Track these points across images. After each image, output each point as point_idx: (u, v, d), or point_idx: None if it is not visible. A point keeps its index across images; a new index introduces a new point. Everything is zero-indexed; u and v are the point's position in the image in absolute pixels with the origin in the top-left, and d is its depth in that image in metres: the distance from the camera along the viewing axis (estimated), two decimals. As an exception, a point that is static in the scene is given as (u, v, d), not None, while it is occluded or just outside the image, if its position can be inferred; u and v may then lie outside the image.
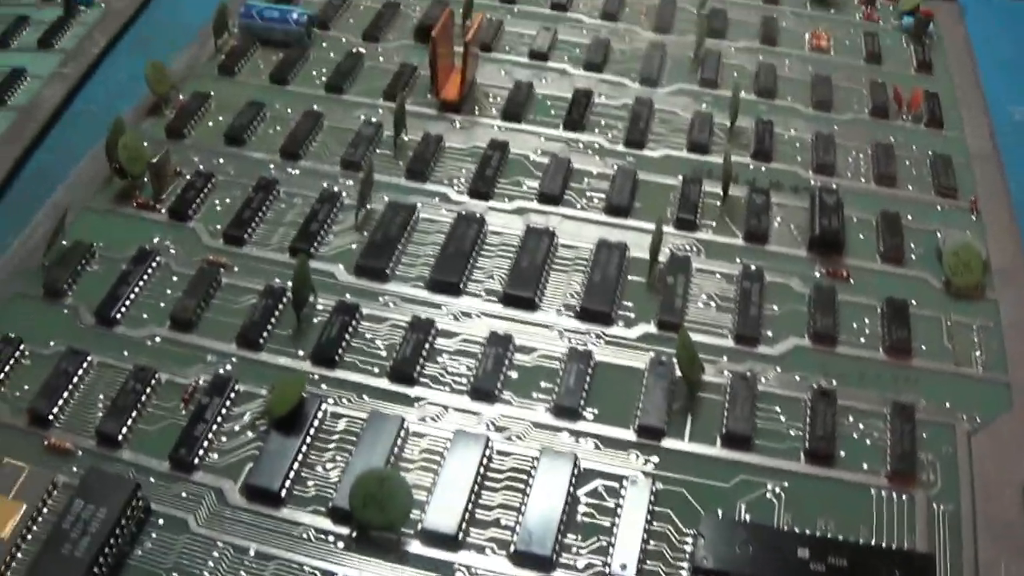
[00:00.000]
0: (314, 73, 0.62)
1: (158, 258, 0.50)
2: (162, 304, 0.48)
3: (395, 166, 0.56)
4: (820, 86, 0.63)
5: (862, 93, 0.63)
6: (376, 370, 0.46)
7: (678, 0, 0.70)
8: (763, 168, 0.57)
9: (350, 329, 0.47)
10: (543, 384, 0.46)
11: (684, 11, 0.69)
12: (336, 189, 0.54)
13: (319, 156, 0.56)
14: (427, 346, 0.47)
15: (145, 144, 0.55)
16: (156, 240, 0.51)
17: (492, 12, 0.68)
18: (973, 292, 0.51)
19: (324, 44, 0.65)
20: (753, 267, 0.51)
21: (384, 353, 0.47)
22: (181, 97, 0.60)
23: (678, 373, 0.46)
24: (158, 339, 0.47)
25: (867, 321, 0.49)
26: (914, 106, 0.62)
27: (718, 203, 0.54)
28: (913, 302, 0.50)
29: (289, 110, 0.59)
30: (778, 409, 0.45)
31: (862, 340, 0.49)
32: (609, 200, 0.54)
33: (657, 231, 0.50)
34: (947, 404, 0.46)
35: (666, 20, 0.67)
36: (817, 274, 0.51)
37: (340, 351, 0.46)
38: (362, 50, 0.64)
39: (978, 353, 0.48)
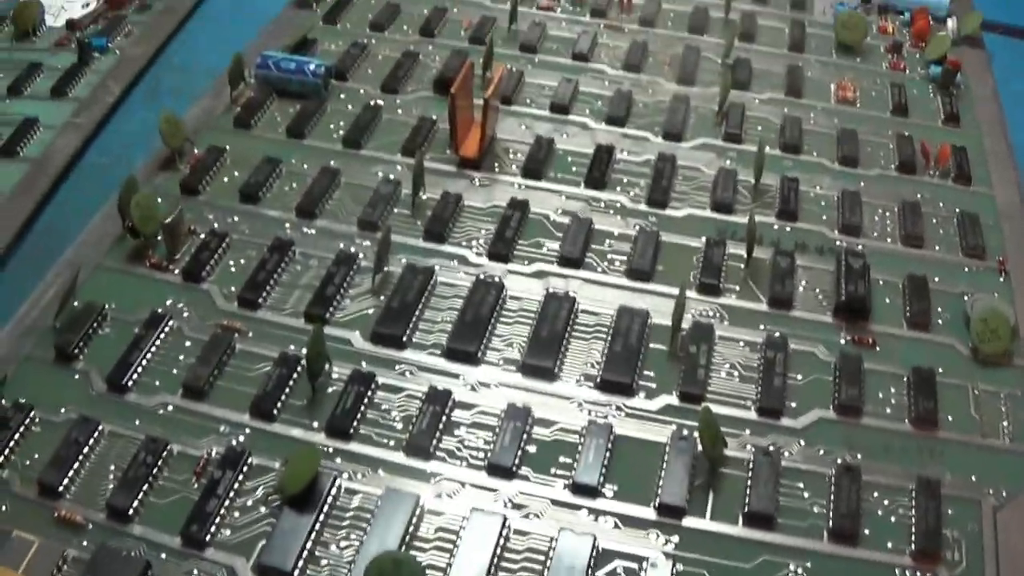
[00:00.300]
0: (331, 126, 0.62)
1: (171, 322, 0.50)
2: (175, 371, 0.48)
3: (413, 226, 0.55)
4: (846, 141, 0.61)
5: (888, 147, 0.62)
6: (392, 443, 0.45)
7: (702, 49, 0.69)
8: (788, 228, 0.56)
9: (365, 400, 0.46)
10: (562, 459, 0.45)
11: (708, 61, 0.68)
12: (353, 250, 0.53)
13: (336, 215, 0.56)
14: (444, 419, 0.46)
15: (159, 200, 0.55)
16: (169, 303, 0.51)
17: (512, 62, 0.67)
18: (1001, 359, 0.50)
19: (342, 96, 0.64)
20: (777, 334, 0.50)
21: (400, 425, 0.46)
22: (196, 151, 0.59)
23: (699, 448, 0.45)
24: (170, 407, 0.46)
25: (893, 391, 0.48)
26: (941, 161, 0.60)
27: (742, 266, 0.53)
28: (940, 370, 0.49)
29: (305, 166, 0.59)
30: (801, 485, 0.44)
31: (888, 411, 0.47)
32: (631, 264, 0.53)
33: (680, 298, 0.49)
34: (973, 478, 0.45)
35: (689, 71, 0.66)
36: (842, 341, 0.50)
37: (355, 423, 0.46)
38: (380, 102, 0.63)
39: (1005, 423, 0.47)
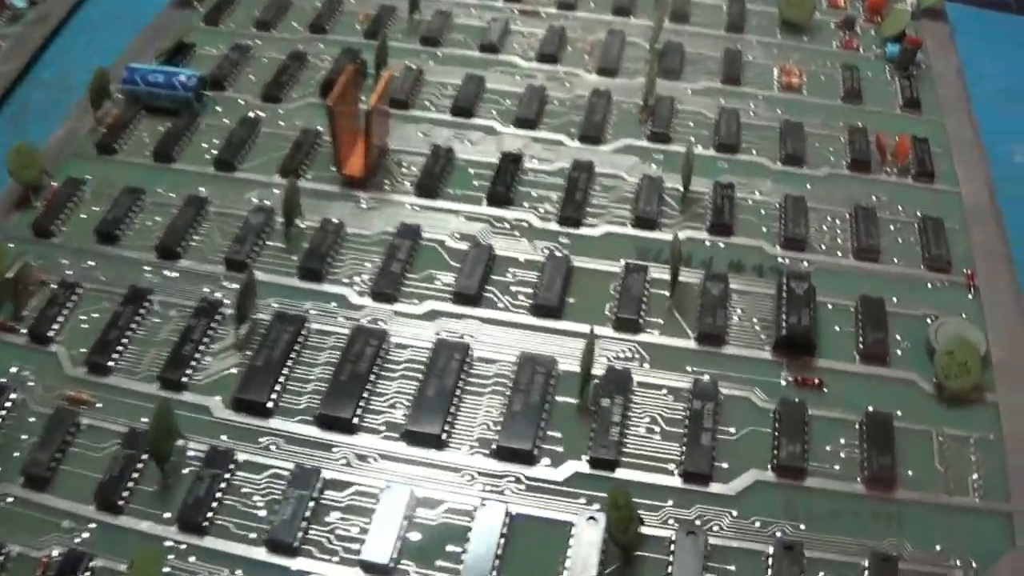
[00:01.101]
0: (204, 145, 0.54)
1: (13, 395, 0.42)
2: (16, 454, 0.40)
3: (287, 262, 0.48)
4: (791, 135, 0.54)
5: (840, 141, 0.54)
6: (252, 536, 0.38)
7: (628, 33, 0.61)
8: (721, 244, 0.49)
9: (223, 484, 0.39)
10: (449, 548, 0.38)
11: (634, 47, 0.60)
12: (218, 295, 0.46)
13: (201, 253, 0.48)
14: (312, 504, 0.39)
15: (11, 245, 0.47)
16: (13, 370, 0.43)
17: (412, 58, 0.59)
18: (970, 395, 0.43)
19: (218, 108, 0.56)
20: (707, 377, 0.43)
21: (263, 513, 0.39)
22: (54, 184, 0.51)
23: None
24: (11, 499, 0.39)
25: (843, 442, 0.41)
26: (900, 156, 0.53)
27: (666, 294, 0.46)
28: (898, 413, 0.42)
29: (173, 195, 0.51)
30: (733, 568, 0.37)
31: (836, 468, 0.41)
32: (536, 298, 0.46)
33: (590, 342, 0.41)
34: (937, 547, 0.38)
35: (612, 59, 0.59)
36: (784, 382, 0.43)
37: (210, 514, 0.38)
38: (260, 113, 0.55)
39: (975, 476, 0.40)
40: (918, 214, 0.50)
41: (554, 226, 0.49)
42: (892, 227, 0.50)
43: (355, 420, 0.41)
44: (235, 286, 0.46)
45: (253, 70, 0.59)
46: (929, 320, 0.46)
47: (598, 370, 0.43)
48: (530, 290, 0.46)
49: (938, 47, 0.61)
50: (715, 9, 0.64)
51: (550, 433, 0.41)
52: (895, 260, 0.48)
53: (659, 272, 0.47)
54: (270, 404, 0.42)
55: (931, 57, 0.60)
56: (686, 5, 0.63)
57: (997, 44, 0.65)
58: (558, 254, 0.48)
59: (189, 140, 0.54)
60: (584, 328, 0.44)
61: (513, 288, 0.47)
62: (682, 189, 0.51)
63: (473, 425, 0.41)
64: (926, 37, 0.61)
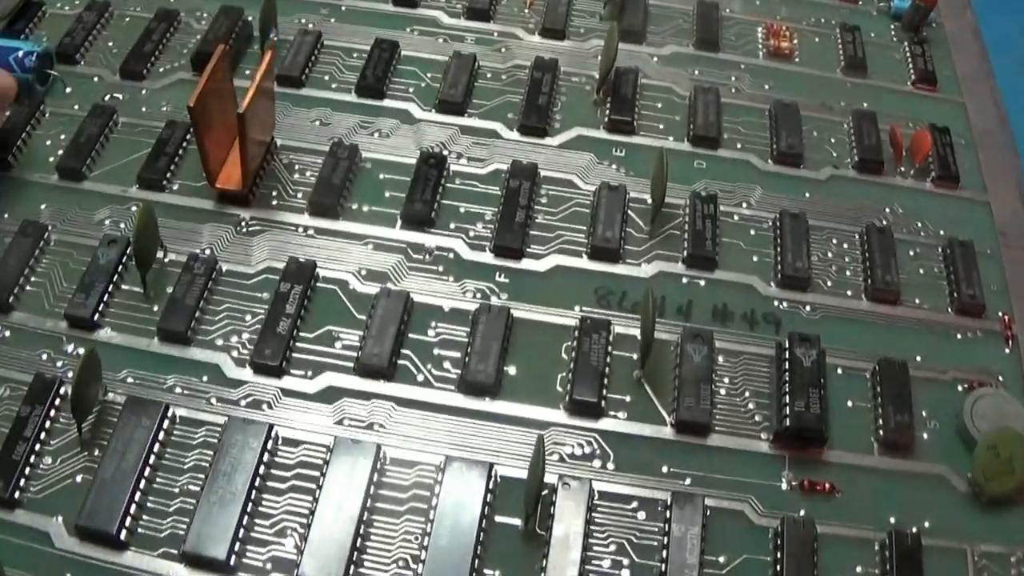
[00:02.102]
0: (48, 144, 0.41)
1: None
2: None
3: (145, 317, 0.36)
4: (784, 124, 0.43)
5: (843, 129, 0.44)
6: None
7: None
8: (702, 283, 0.38)
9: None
10: None
11: (587, 0, 0.48)
12: (60, 365, 0.35)
13: (37, 305, 0.37)
14: None
15: None
16: None
17: (308, 14, 0.46)
18: (1014, 496, 0.34)
19: (68, 90, 0.43)
20: (688, 480, 0.33)
21: None
22: None
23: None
24: None
25: (860, 571, 0.32)
26: (918, 155, 0.42)
27: (634, 357, 0.36)
28: (926, 524, 0.33)
29: (7, 215, 0.39)
30: None
31: (854, 609, 0.31)
32: (465, 372, 0.35)
33: (537, 453, 0.31)
34: None
35: (559, 15, 0.47)
36: (785, 485, 0.34)
37: None
38: (118, 96, 0.43)
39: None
40: (942, 233, 0.41)
41: (488, 257, 0.38)
42: (912, 253, 0.40)
43: (231, 559, 0.31)
44: (80, 351, 0.35)
45: (112, 35, 0.46)
46: (960, 387, 0.36)
47: (548, 477, 0.33)
48: (457, 354, 0.36)
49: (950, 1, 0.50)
50: (685, -55, 0.51)
51: (486, 571, 0.31)
52: (917, 301, 0.39)
53: (624, 326, 0.37)
54: (120, 533, 0.31)
55: (942, 14, 0.49)
56: (650, -60, 0.51)
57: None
58: (494, 301, 0.37)
59: (28, 138, 0.41)
60: (528, 412, 0.34)
61: (436, 352, 0.36)
62: (651, 203, 0.40)
63: (386, 562, 0.31)
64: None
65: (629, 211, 0.40)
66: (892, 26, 0.49)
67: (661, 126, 0.43)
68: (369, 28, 0.46)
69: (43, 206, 0.39)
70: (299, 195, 0.40)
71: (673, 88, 0.44)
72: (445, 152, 0.41)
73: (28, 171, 0.41)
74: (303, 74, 0.44)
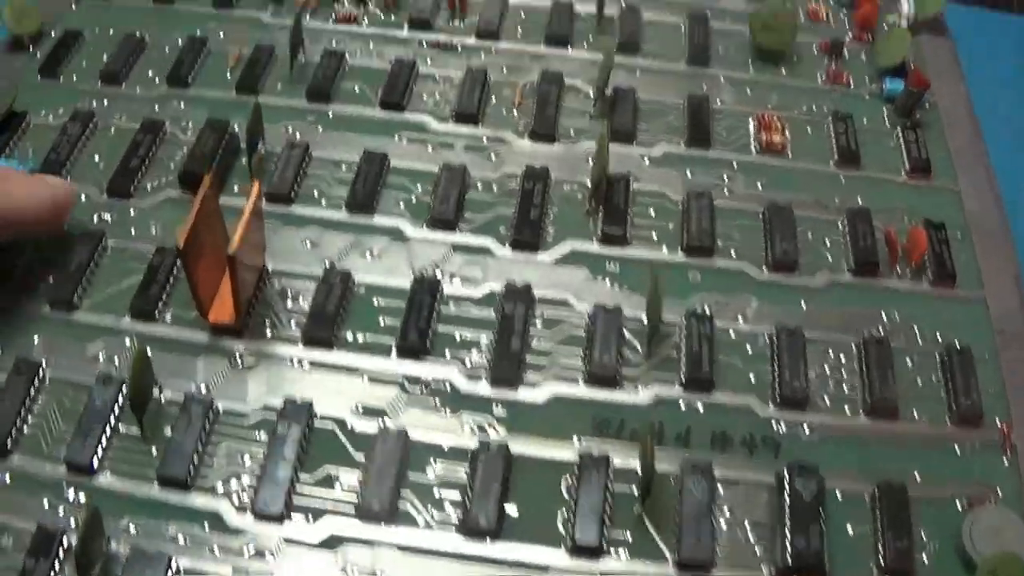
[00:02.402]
0: (34, 275, 0.41)
1: None
2: None
3: (144, 460, 0.36)
4: (779, 227, 0.43)
5: (838, 229, 0.44)
6: None
7: (568, 73, 0.49)
8: (700, 407, 0.38)
9: None
10: None
11: (575, 94, 0.48)
12: (61, 513, 0.35)
13: (36, 447, 0.36)
14: None
15: None
16: None
17: (295, 121, 0.46)
18: (1018, 623, 0.34)
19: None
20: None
21: None
22: None
23: None
24: None
25: None
26: (914, 255, 0.42)
27: (634, 491, 0.36)
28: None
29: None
30: None
31: None
32: (467, 515, 0.35)
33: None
34: None
35: (549, 117, 0.46)
36: (787, 627, 0.34)
37: None
38: (106, 217, 0.43)
39: None
40: (939, 339, 0.40)
41: (485, 388, 0.38)
42: (909, 363, 0.40)
43: None
44: (81, 498, 0.35)
45: (98, 147, 0.45)
46: (960, 503, 0.36)
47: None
48: (458, 495, 0.36)
49: (942, 72, 0.49)
50: (672, 31, 0.51)
51: None
52: (915, 414, 0.39)
53: (624, 457, 0.36)
54: None
55: (936, 92, 0.49)
56: (636, 28, 0.50)
57: (1000, 53, 0.54)
58: (493, 436, 0.37)
59: (11, 266, 0.41)
60: (530, 553, 0.34)
61: (436, 492, 0.36)
62: (646, 323, 0.40)
63: None
64: (928, 64, 0.49)
65: (625, 331, 0.40)
66: (884, 109, 0.48)
67: (655, 235, 0.43)
68: (357, 136, 0.46)
69: (36, 339, 0.39)
70: (293, 324, 0.40)
71: (665, 193, 0.44)
72: (438, 274, 0.41)
73: (19, 301, 0.40)
74: (292, 191, 0.43)
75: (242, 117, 0.45)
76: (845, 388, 0.39)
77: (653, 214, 0.43)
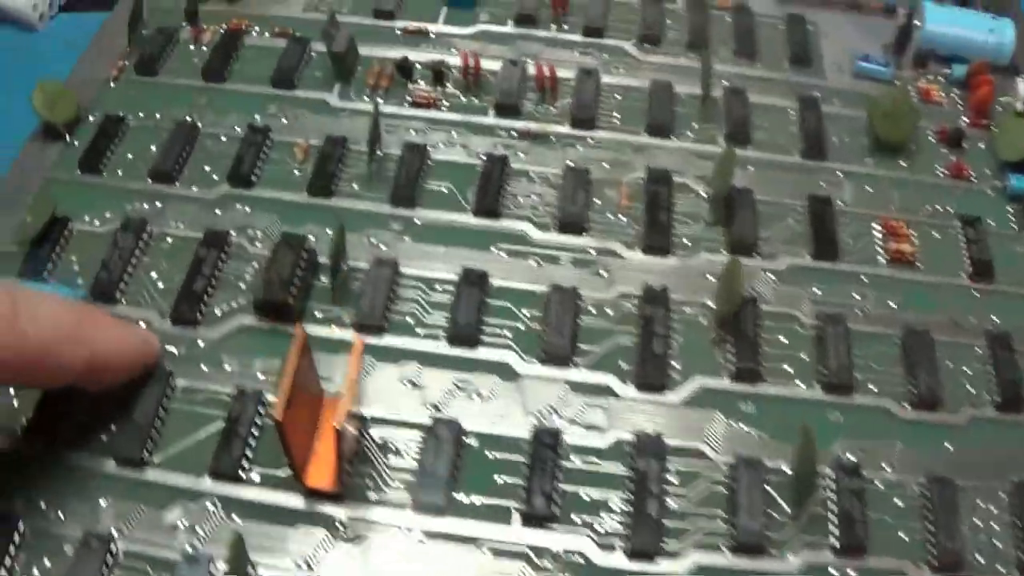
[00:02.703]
0: (80, 422, 0.36)
1: None
2: None
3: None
4: (918, 359, 0.39)
5: (976, 353, 0.40)
6: None
7: (673, 167, 0.44)
8: (852, 574, 0.34)
9: None
10: None
11: (685, 193, 0.43)
12: None
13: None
14: None
15: None
16: None
17: (378, 230, 0.41)
18: None
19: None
20: None
21: None
22: None
23: None
24: None
25: None
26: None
27: None
28: None
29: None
30: None
31: None
32: None
33: None
34: None
35: (661, 227, 0.42)
36: None
37: None
38: (172, 350, 0.38)
39: None
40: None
41: (621, 560, 0.34)
42: (1071, 516, 0.36)
43: None
44: None
45: (154, 263, 0.40)
46: None
47: None
48: None
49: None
50: (780, 116, 0.46)
51: None
52: (1086, 580, 0.35)
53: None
54: None
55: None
56: (745, 115, 0.46)
57: None
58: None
59: (65, 412, 0.36)
60: None
61: None
62: (795, 481, 0.36)
63: None
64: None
65: (767, 486, 0.36)
66: (1009, 210, 0.44)
67: (789, 368, 0.39)
68: (451, 248, 0.41)
69: (103, 503, 0.34)
70: (397, 483, 0.35)
71: (795, 315, 0.40)
72: (557, 420, 0.37)
73: (79, 456, 0.35)
74: (383, 319, 0.38)
75: (316, 223, 0.41)
76: (998, 544, 0.35)
77: (785, 341, 0.39)
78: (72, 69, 0.48)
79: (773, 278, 0.41)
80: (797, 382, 0.38)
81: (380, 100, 0.45)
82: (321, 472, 0.35)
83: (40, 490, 0.35)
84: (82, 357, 0.33)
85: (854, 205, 0.44)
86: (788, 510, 0.36)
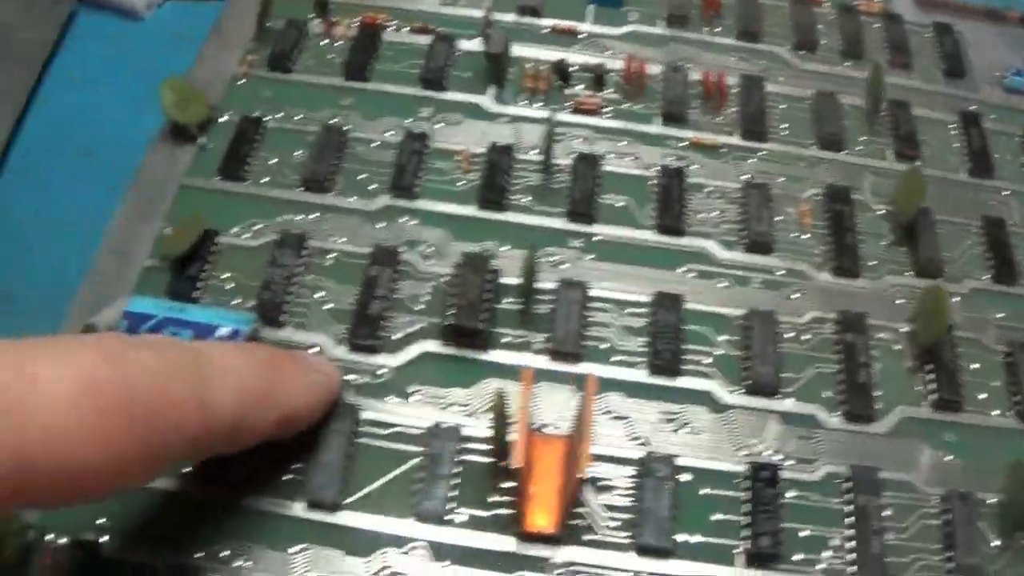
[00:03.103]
0: (260, 460, 0.34)
1: None
2: None
3: None
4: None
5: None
6: None
7: (852, 183, 0.43)
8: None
9: None
10: None
11: (862, 214, 0.42)
12: None
13: None
14: None
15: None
16: None
17: (560, 250, 0.40)
18: None
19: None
20: None
21: None
22: None
23: None
24: None
25: None
26: None
27: None
28: None
29: None
30: None
31: None
32: None
33: None
34: None
35: (850, 250, 0.40)
36: None
37: None
38: (351, 380, 0.36)
39: None
40: None
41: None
42: None
43: None
44: None
45: (318, 282, 0.38)
46: None
47: None
48: None
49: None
50: (942, 129, 0.45)
51: None
52: None
53: None
54: None
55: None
56: (912, 130, 0.44)
57: None
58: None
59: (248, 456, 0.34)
60: None
61: None
62: (1009, 517, 0.35)
63: None
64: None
65: (979, 524, 0.35)
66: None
67: (984, 397, 0.38)
68: (637, 269, 0.39)
69: (297, 548, 0.32)
70: (615, 524, 0.34)
71: (982, 342, 0.39)
72: (768, 453, 0.35)
73: (261, 502, 0.33)
74: (579, 345, 0.37)
75: (487, 236, 0.39)
76: None
77: (981, 372, 0.38)
78: (193, 63, 0.45)
79: (959, 304, 0.40)
80: (994, 411, 0.37)
81: (553, 109, 0.42)
82: (544, 514, 0.33)
83: (224, 537, 0.32)
84: (272, 420, 0.31)
85: (1022, 225, 0.43)
86: (998, 542, 0.35)
